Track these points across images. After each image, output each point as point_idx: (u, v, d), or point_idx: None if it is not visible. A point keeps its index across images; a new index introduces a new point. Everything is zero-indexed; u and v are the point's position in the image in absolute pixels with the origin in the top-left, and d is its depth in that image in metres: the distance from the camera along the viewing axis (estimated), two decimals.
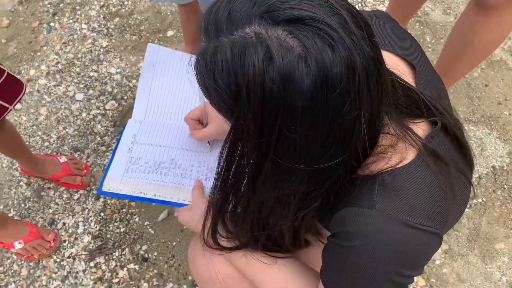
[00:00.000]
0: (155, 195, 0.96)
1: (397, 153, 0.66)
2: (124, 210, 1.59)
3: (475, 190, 1.61)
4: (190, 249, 0.97)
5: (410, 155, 0.66)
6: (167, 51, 1.17)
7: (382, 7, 2.00)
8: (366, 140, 0.57)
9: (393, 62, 0.75)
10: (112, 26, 2.00)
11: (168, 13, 2.02)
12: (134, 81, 1.86)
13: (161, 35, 1.97)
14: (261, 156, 0.56)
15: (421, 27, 1.97)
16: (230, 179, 0.64)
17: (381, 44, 0.75)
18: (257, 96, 0.51)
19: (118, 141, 1.05)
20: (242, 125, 0.54)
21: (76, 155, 1.69)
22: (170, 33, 1.97)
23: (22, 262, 1.52)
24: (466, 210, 1.56)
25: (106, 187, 0.96)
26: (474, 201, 1.58)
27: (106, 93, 1.83)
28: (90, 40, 1.96)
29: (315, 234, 0.82)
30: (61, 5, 2.07)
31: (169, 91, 1.11)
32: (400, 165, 0.65)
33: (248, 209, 0.67)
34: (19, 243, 1.46)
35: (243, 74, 0.50)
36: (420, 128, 0.70)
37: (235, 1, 0.53)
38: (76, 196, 1.62)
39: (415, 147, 0.66)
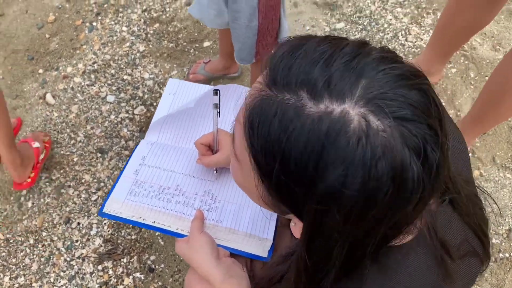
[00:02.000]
0: (154, 221, 0.94)
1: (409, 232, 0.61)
2: None
3: (504, 243, 1.51)
4: (188, 276, 0.95)
5: (411, 233, 0.60)
6: (188, 84, 1.17)
7: (426, 37, 1.92)
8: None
9: None
10: (151, 32, 2.02)
11: None
12: (165, 88, 1.86)
13: (197, 45, 1.97)
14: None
15: (466, 62, 1.87)
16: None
17: None
18: (355, 190, 0.46)
19: (127, 161, 1.04)
20: (319, 225, 0.50)
21: (99, 156, 1.72)
22: (206, 44, 1.97)
23: (34, 256, 1.55)
24: (491, 263, 1.46)
25: (107, 209, 0.95)
26: (500, 255, 1.48)
27: (137, 97, 1.85)
28: (128, 44, 1.99)
29: None
30: (106, 5, 2.12)
31: (185, 117, 1.10)
32: (398, 242, 0.59)
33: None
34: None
35: (337, 159, 0.45)
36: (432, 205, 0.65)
37: (334, 65, 0.47)
38: (94, 197, 1.64)
39: (416, 226, 0.60)
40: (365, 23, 1.97)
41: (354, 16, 1.99)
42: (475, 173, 1.61)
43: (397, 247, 0.59)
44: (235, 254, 0.93)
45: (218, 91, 0.91)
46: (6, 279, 1.52)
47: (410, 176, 0.46)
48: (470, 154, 1.64)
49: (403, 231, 0.56)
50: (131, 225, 1.58)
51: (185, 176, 1.01)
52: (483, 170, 1.61)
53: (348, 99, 0.45)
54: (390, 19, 1.97)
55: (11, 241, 1.58)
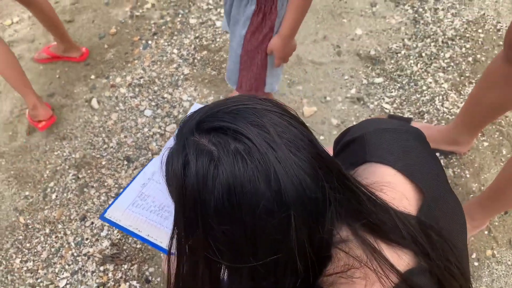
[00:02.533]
0: (148, 235, 1.00)
1: (368, 281, 0.62)
2: None
3: None
4: None
5: (384, 286, 0.61)
6: None
7: (456, 110, 1.91)
8: (304, 244, 0.56)
9: (396, 184, 0.71)
10: (198, 58, 2.14)
11: None
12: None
13: None
14: (186, 249, 0.59)
15: (500, 137, 1.84)
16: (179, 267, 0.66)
17: (396, 163, 0.73)
18: (178, 193, 0.56)
19: (138, 173, 1.12)
20: (175, 219, 0.60)
21: (125, 164, 1.82)
22: None
23: (46, 245, 1.65)
24: None
25: (108, 214, 1.03)
26: None
27: (172, 116, 1.96)
28: (175, 65, 2.12)
29: None
30: (163, 27, 2.28)
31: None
32: None
33: None
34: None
35: (173, 176, 0.58)
36: (403, 259, 0.65)
37: None
38: (111, 201, 1.74)
39: (384, 280, 0.61)
40: (403, 82, 1.98)
41: (395, 73, 2.02)
42: (488, 252, 1.56)
43: None
44: None
45: None
46: (17, 261, 1.63)
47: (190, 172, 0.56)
48: (486, 232, 1.59)
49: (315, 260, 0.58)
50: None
51: None
52: (496, 251, 1.56)
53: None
54: (430, 82, 1.98)
55: (29, 227, 1.70)
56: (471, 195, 1.67)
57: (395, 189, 0.70)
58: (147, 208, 1.07)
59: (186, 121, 0.60)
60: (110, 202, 1.73)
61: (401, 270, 0.63)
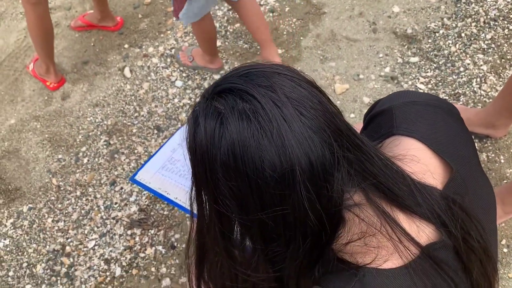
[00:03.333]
0: (176, 198, 1.02)
1: (383, 252, 0.61)
2: None
3: None
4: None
5: (402, 259, 0.61)
6: None
7: (494, 93, 1.84)
8: (312, 201, 0.55)
9: (422, 157, 0.69)
10: (231, 30, 2.13)
11: (284, 33, 2.10)
12: None
13: None
14: (203, 204, 0.62)
15: None
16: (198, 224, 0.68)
17: (424, 137, 0.71)
18: (190, 151, 0.61)
19: (169, 138, 1.13)
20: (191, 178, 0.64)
21: (155, 133, 1.85)
22: (278, 51, 2.04)
23: (77, 207, 1.71)
24: None
25: (139, 177, 1.05)
26: None
27: (202, 87, 1.96)
28: None
29: None
30: None
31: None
32: (386, 266, 0.60)
33: (220, 264, 0.67)
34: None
35: (188, 135, 0.64)
36: (425, 232, 0.63)
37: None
38: None
39: (404, 253, 0.61)
40: (440, 62, 1.92)
41: (431, 53, 1.96)
42: None
43: (383, 272, 0.60)
44: None
45: None
46: (49, 220, 1.69)
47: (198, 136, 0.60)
48: None
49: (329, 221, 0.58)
50: (166, 202, 1.69)
51: None
52: None
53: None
54: (468, 64, 1.91)
55: (61, 188, 1.76)
56: (505, 181, 1.62)
57: (419, 162, 0.68)
58: (176, 172, 1.08)
59: (208, 87, 0.64)
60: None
61: (421, 243, 0.62)
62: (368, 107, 0.89)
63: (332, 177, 0.56)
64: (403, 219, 0.63)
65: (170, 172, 1.08)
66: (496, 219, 0.77)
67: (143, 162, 1.78)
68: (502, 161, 1.66)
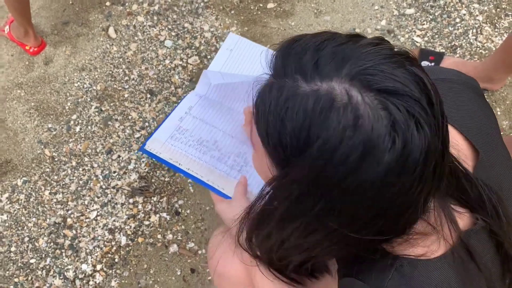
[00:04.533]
0: (188, 168, 1.00)
1: (427, 242, 0.61)
2: None
3: None
4: (212, 238, 1.00)
5: (440, 248, 0.61)
6: (246, 42, 1.18)
7: (498, 40, 1.84)
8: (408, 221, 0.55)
9: (456, 142, 0.68)
10: None
11: None
12: (221, 43, 1.88)
13: (261, 5, 1.96)
14: (299, 210, 0.55)
15: None
16: (266, 211, 0.62)
17: (453, 119, 0.69)
18: (327, 158, 0.49)
19: (174, 107, 1.09)
20: (291, 181, 0.53)
21: (148, 97, 1.78)
22: (270, 5, 1.96)
23: (74, 178, 1.66)
24: None
25: (148, 147, 1.01)
26: None
27: (193, 47, 1.88)
28: None
29: (323, 270, 0.81)
30: None
31: (238, 78, 1.12)
32: (425, 257, 0.60)
33: (270, 237, 0.64)
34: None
35: (320, 130, 0.49)
36: (462, 220, 0.64)
37: (323, 50, 0.52)
38: (137, 135, 1.72)
39: (448, 241, 0.60)
40: (436, 14, 1.89)
41: (427, 4, 1.92)
42: None
43: (424, 261, 0.60)
44: None
45: None
46: (47, 193, 1.65)
47: (384, 146, 0.48)
48: None
49: (406, 225, 0.57)
50: (166, 167, 1.66)
51: (225, 134, 1.05)
52: None
53: (335, 78, 0.50)
54: (464, 14, 1.89)
55: (55, 159, 1.70)
56: (502, 133, 1.65)
57: (453, 147, 0.67)
58: (185, 142, 1.06)
59: (327, 58, 0.51)
60: (135, 136, 1.72)
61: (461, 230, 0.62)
62: None
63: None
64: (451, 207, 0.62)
65: (179, 142, 1.06)
66: None
67: (138, 129, 1.73)
68: (499, 113, 1.69)
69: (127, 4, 2.00)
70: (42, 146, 1.72)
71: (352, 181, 0.49)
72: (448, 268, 0.60)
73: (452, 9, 1.91)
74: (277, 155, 0.55)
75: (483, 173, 0.67)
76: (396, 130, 0.48)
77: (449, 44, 1.83)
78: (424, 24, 1.88)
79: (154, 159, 1.56)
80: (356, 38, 0.54)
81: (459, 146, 0.67)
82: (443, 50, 1.82)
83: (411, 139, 0.48)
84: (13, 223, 1.61)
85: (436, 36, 1.85)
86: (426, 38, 1.85)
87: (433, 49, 1.82)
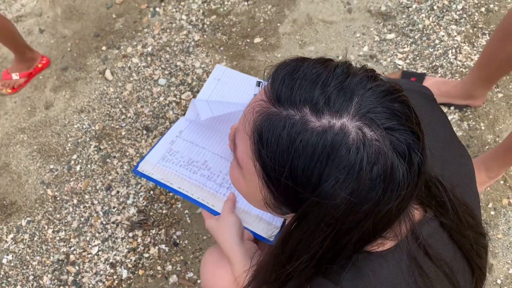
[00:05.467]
0: (179, 187, 1.06)
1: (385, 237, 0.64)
2: (170, 194, 1.73)
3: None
4: (205, 255, 1.05)
5: (392, 240, 0.64)
6: (232, 72, 1.26)
7: (477, 58, 1.90)
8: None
9: None
10: (208, 23, 2.13)
11: (261, 20, 2.11)
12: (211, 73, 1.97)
13: (248, 40, 2.06)
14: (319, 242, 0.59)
15: None
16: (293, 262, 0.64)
17: None
18: (350, 196, 0.53)
19: (166, 131, 1.16)
20: (313, 216, 0.57)
21: (144, 133, 1.86)
22: (257, 40, 2.06)
23: (75, 215, 1.72)
24: None
25: (141, 168, 1.08)
26: None
27: (186, 83, 1.97)
28: (185, 32, 2.12)
29: None
30: None
31: (224, 106, 1.20)
32: (377, 249, 0.64)
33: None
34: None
35: (338, 167, 0.53)
36: (415, 212, 0.68)
37: (329, 86, 0.55)
38: None
39: (402, 233, 0.64)
40: (416, 37, 1.97)
41: (406, 28, 2.00)
42: (504, 201, 1.60)
43: (376, 254, 0.64)
44: (257, 240, 1.02)
45: (262, 83, 1.00)
46: (50, 231, 1.71)
47: (397, 176, 0.54)
48: (502, 182, 1.63)
49: (383, 233, 0.61)
50: (163, 200, 1.72)
51: (214, 155, 1.11)
52: None
53: (345, 115, 0.54)
54: (443, 36, 1.97)
55: (58, 198, 1.76)
56: (487, 147, 1.69)
57: None
58: (176, 163, 1.12)
59: (336, 95, 0.55)
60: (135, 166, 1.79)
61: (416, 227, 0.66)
62: None
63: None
64: None
65: (170, 163, 1.12)
66: (477, 185, 0.83)
67: (135, 164, 1.80)
68: (483, 127, 1.74)
69: (122, 47, 2.11)
70: (45, 187, 1.79)
71: (375, 212, 0.55)
72: (399, 259, 0.63)
73: (431, 31, 1.99)
74: (283, 187, 0.58)
75: (433, 167, 0.73)
76: (406, 162, 0.54)
77: (430, 65, 1.90)
78: (405, 47, 1.96)
79: (146, 180, 1.62)
80: (351, 69, 0.58)
81: None
82: (425, 71, 1.89)
83: (415, 168, 0.55)
84: (18, 262, 1.67)
85: (417, 58, 1.93)
86: (407, 61, 1.92)
87: (414, 70, 1.89)
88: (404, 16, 2.04)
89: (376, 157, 0.52)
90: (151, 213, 1.70)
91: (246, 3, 2.16)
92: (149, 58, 2.07)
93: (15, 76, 2.01)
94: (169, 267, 1.60)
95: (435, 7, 2.04)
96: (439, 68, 1.89)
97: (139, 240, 1.66)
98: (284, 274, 0.65)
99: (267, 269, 0.70)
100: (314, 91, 0.55)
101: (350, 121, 0.53)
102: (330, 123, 0.54)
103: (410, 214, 0.64)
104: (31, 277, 1.64)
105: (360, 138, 0.53)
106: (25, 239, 1.70)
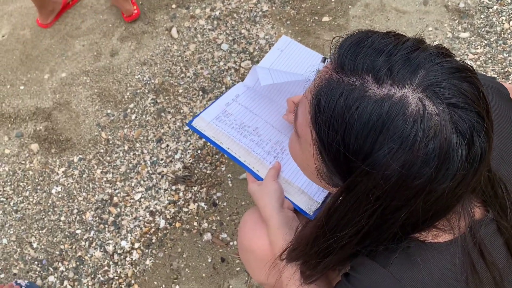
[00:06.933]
0: (228, 148, 1.08)
1: (441, 228, 0.63)
2: (217, 156, 1.76)
3: None
4: (245, 215, 1.07)
5: (448, 234, 0.62)
6: (297, 45, 1.26)
7: None
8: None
9: None
10: None
11: (333, 0, 2.08)
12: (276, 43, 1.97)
13: (317, 18, 2.04)
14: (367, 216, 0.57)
15: None
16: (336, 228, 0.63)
17: None
18: (402, 168, 0.52)
19: (223, 93, 1.18)
20: (362, 186, 0.55)
21: (200, 94, 1.89)
22: (325, 18, 2.03)
23: (124, 161, 1.78)
24: None
25: (195, 123, 1.11)
26: None
27: (247, 52, 1.98)
28: (254, 1, 2.12)
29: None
30: None
31: (285, 75, 1.20)
32: (432, 240, 0.62)
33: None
34: None
35: (393, 136, 0.51)
36: (476, 210, 0.65)
37: (396, 55, 0.54)
38: (186, 128, 1.83)
39: (460, 229, 0.62)
40: (491, 39, 1.89)
41: (483, 29, 1.92)
42: None
43: (430, 244, 0.61)
44: (297, 212, 1.03)
45: (327, 60, 1.00)
46: (98, 171, 1.78)
47: (454, 155, 0.51)
48: None
49: (437, 221, 0.59)
50: (209, 161, 1.75)
51: (266, 123, 1.12)
52: None
53: (407, 86, 0.53)
54: None
55: (110, 142, 1.83)
56: None
57: None
58: (228, 124, 1.14)
59: (400, 64, 0.54)
60: (185, 129, 1.83)
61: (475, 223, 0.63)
62: None
63: None
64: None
65: (223, 124, 1.14)
66: None
67: (188, 122, 1.83)
68: None
69: (191, 8, 2.14)
70: (100, 129, 1.87)
71: (427, 190, 0.53)
72: (454, 253, 0.61)
73: (509, 36, 1.89)
74: (334, 154, 0.57)
75: (497, 169, 0.70)
76: (466, 143, 0.52)
77: (502, 70, 1.82)
78: (478, 48, 1.88)
79: (198, 135, 1.66)
80: (423, 44, 0.57)
81: None
82: (495, 75, 1.81)
83: (475, 151, 0.52)
84: (65, 195, 1.75)
85: (489, 61, 1.85)
86: (478, 62, 1.85)
87: (484, 73, 1.82)
88: (482, 16, 1.95)
89: (434, 131, 0.51)
90: (195, 171, 1.74)
91: None
92: (215, 22, 2.09)
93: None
94: (205, 225, 1.64)
95: None
96: (511, 75, 1.80)
97: (181, 194, 1.70)
98: (325, 247, 0.65)
99: (308, 241, 0.69)
100: (378, 60, 0.54)
101: (412, 92, 0.52)
102: (390, 92, 0.52)
103: (470, 209, 0.62)
104: (75, 211, 1.72)
105: (419, 110, 0.51)
106: (75, 175, 1.79)
